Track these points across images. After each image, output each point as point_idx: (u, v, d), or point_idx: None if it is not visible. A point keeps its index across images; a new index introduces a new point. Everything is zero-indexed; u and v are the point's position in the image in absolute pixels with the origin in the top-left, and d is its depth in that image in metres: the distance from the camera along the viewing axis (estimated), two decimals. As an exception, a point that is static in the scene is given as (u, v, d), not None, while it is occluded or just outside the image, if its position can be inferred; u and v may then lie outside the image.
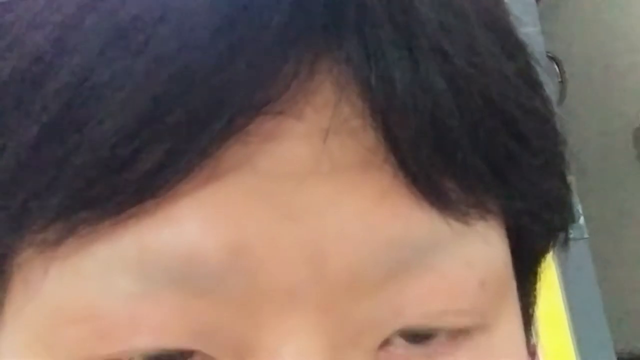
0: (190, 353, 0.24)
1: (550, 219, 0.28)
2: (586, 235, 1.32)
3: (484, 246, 0.26)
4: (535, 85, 0.28)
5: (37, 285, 0.24)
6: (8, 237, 0.24)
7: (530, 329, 0.31)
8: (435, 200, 0.24)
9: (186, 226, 0.23)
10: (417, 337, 0.25)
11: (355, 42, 0.23)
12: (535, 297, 0.32)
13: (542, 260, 0.31)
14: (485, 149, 0.25)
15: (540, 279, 0.32)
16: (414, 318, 0.25)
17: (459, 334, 0.26)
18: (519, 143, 0.26)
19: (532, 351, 0.31)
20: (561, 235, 0.31)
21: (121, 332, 0.23)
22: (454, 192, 0.24)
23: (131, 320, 0.23)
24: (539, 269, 0.31)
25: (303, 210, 0.23)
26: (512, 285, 0.28)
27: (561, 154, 0.29)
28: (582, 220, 1.31)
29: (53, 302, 0.24)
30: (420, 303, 0.25)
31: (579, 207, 1.33)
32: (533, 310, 0.32)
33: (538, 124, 0.27)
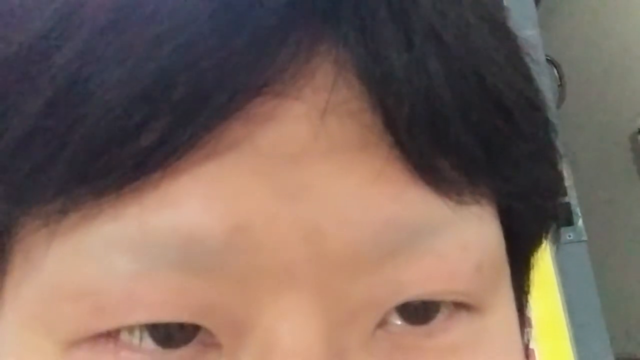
0: (194, 334, 0.24)
1: (541, 205, 0.29)
2: (584, 238, 1.32)
3: (480, 230, 0.26)
4: (525, 74, 0.28)
5: (37, 261, 0.25)
6: (12, 210, 0.25)
7: (524, 318, 0.32)
8: (430, 180, 0.24)
9: (186, 205, 0.23)
10: (416, 318, 0.26)
11: (352, 23, 0.24)
12: (528, 286, 0.32)
13: (535, 249, 0.31)
14: (477, 130, 0.25)
15: (532, 268, 0.32)
16: (411, 297, 0.25)
17: (455, 314, 0.26)
18: (511, 127, 0.26)
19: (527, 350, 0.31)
20: (552, 226, 0.31)
21: (119, 309, 0.24)
22: (447, 171, 0.25)
23: (129, 298, 0.23)
24: (531, 259, 0.32)
25: (301, 189, 0.23)
26: (506, 269, 0.29)
27: (552, 143, 0.29)
28: (580, 222, 1.31)
29: (53, 279, 0.24)
30: (417, 284, 0.25)
31: (577, 210, 1.33)
32: (527, 301, 0.32)
33: (527, 109, 0.27)
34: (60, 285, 0.24)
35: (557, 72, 1.56)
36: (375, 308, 0.25)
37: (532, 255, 0.32)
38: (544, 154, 0.29)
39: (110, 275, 0.24)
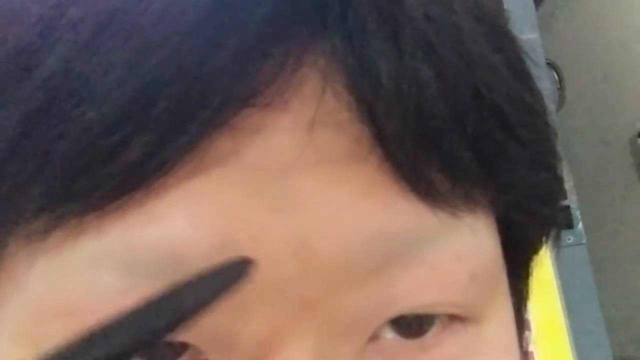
0: (182, 351, 0.24)
1: (540, 212, 0.28)
2: (584, 241, 1.32)
3: (474, 239, 0.26)
4: (524, 78, 0.27)
5: (22, 279, 0.24)
6: None
7: (522, 325, 0.31)
8: (422, 192, 0.24)
9: (172, 221, 0.23)
10: (410, 332, 0.25)
11: (340, 33, 0.23)
12: (527, 292, 0.32)
13: (534, 255, 0.31)
14: (472, 140, 0.24)
15: (531, 275, 0.32)
16: (404, 310, 0.25)
17: (450, 326, 0.26)
18: (507, 134, 0.25)
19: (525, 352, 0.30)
20: (552, 231, 0.30)
21: None
22: (441, 183, 0.24)
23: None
24: (530, 265, 0.31)
25: (290, 203, 0.23)
26: (503, 278, 0.28)
27: (552, 148, 0.29)
28: (580, 225, 1.32)
29: (38, 297, 0.24)
30: (410, 296, 0.25)
31: (577, 213, 1.34)
32: (525, 306, 0.32)
33: (526, 116, 0.26)
34: (45, 303, 0.24)
35: (557, 76, 1.56)
36: (367, 321, 0.25)
37: (532, 261, 0.31)
38: (544, 160, 0.28)
39: (95, 292, 0.23)
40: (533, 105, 0.27)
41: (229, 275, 0.22)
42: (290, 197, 0.23)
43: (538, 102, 0.28)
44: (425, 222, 0.24)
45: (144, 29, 0.22)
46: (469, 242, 0.26)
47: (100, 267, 0.23)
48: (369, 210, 0.24)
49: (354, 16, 0.23)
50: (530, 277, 0.32)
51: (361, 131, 0.23)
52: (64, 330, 0.23)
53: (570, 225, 1.29)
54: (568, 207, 1.27)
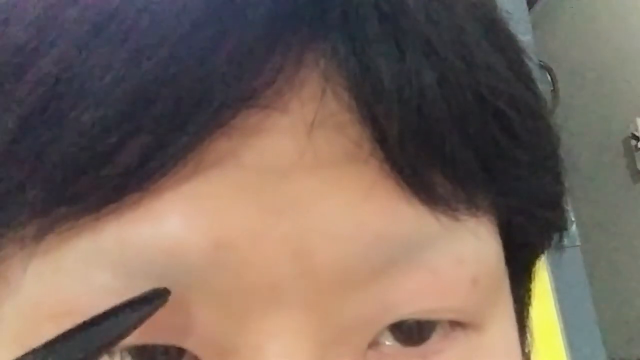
0: (179, 356, 0.24)
1: (542, 217, 0.28)
2: (578, 243, 1.33)
3: (476, 243, 0.25)
4: (526, 80, 0.27)
5: (16, 282, 0.24)
6: None
7: (525, 330, 0.31)
8: (423, 195, 0.24)
9: (168, 221, 0.22)
10: (410, 339, 0.25)
11: (341, 34, 0.23)
12: (529, 297, 0.32)
13: (536, 260, 0.31)
14: (474, 143, 0.24)
15: (533, 279, 0.31)
16: (405, 316, 0.24)
17: (451, 333, 0.25)
18: (509, 138, 0.25)
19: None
20: (555, 235, 0.30)
21: None
22: (442, 186, 0.24)
23: None
24: (532, 269, 0.31)
25: (288, 204, 0.23)
26: (505, 283, 0.28)
27: (554, 152, 0.28)
28: (574, 227, 1.32)
29: (32, 298, 0.24)
30: (410, 300, 0.24)
31: (571, 215, 1.34)
32: (528, 312, 0.32)
33: (529, 119, 0.26)
34: (39, 305, 0.24)
35: (551, 77, 1.57)
36: (367, 326, 0.24)
37: (533, 266, 0.31)
38: (545, 164, 0.28)
39: (89, 293, 0.23)
40: (535, 107, 0.27)
41: (147, 304, 0.22)
42: (289, 200, 0.23)
43: (540, 104, 0.28)
44: (426, 226, 0.24)
45: (141, 30, 0.22)
46: (470, 246, 0.25)
47: (95, 267, 0.23)
48: (369, 213, 0.23)
49: (355, 17, 0.23)
50: (532, 282, 0.31)
51: (362, 133, 0.23)
52: (58, 331, 0.23)
53: (564, 226, 1.29)
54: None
